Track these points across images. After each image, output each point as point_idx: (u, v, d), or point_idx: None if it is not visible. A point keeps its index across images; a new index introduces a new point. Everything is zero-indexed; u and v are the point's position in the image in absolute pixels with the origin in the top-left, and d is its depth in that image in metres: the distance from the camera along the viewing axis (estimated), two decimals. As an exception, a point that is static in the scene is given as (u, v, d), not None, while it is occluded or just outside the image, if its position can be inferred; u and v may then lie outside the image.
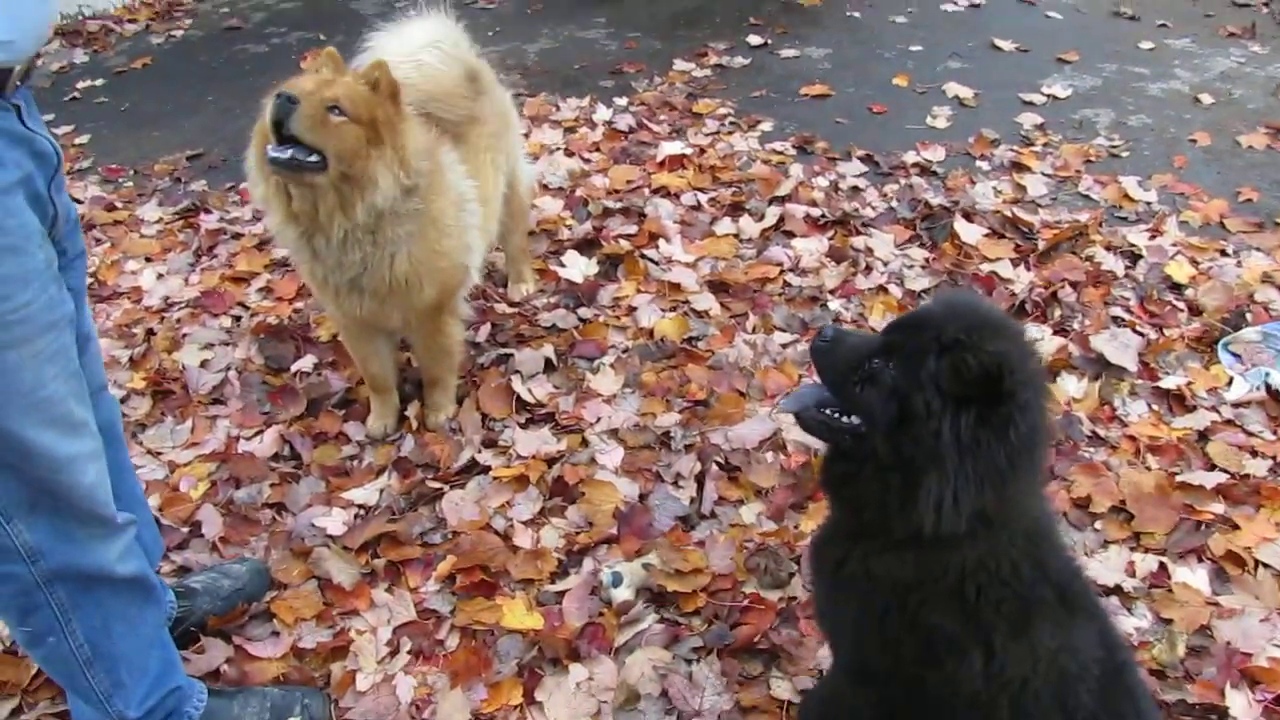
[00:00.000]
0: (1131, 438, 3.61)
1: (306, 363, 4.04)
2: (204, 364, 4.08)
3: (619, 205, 5.00)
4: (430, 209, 3.27)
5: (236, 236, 4.91)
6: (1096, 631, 1.99)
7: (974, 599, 1.90)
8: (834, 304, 4.33)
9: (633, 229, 4.81)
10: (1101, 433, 3.63)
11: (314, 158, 2.96)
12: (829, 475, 2.10)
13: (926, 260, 4.60)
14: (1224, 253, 4.69)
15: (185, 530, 3.36)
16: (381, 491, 3.47)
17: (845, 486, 2.02)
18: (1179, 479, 3.41)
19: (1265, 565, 3.14)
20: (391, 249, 3.23)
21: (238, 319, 4.37)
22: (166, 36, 7.56)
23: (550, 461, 3.56)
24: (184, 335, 4.23)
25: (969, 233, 4.71)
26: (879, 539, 1.98)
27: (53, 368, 1.97)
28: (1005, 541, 1.91)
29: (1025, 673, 1.90)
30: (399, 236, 3.22)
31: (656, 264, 4.58)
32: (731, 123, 5.98)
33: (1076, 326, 4.12)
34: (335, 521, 3.36)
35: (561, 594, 3.09)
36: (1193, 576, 3.11)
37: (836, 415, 1.98)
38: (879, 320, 4.17)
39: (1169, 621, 2.98)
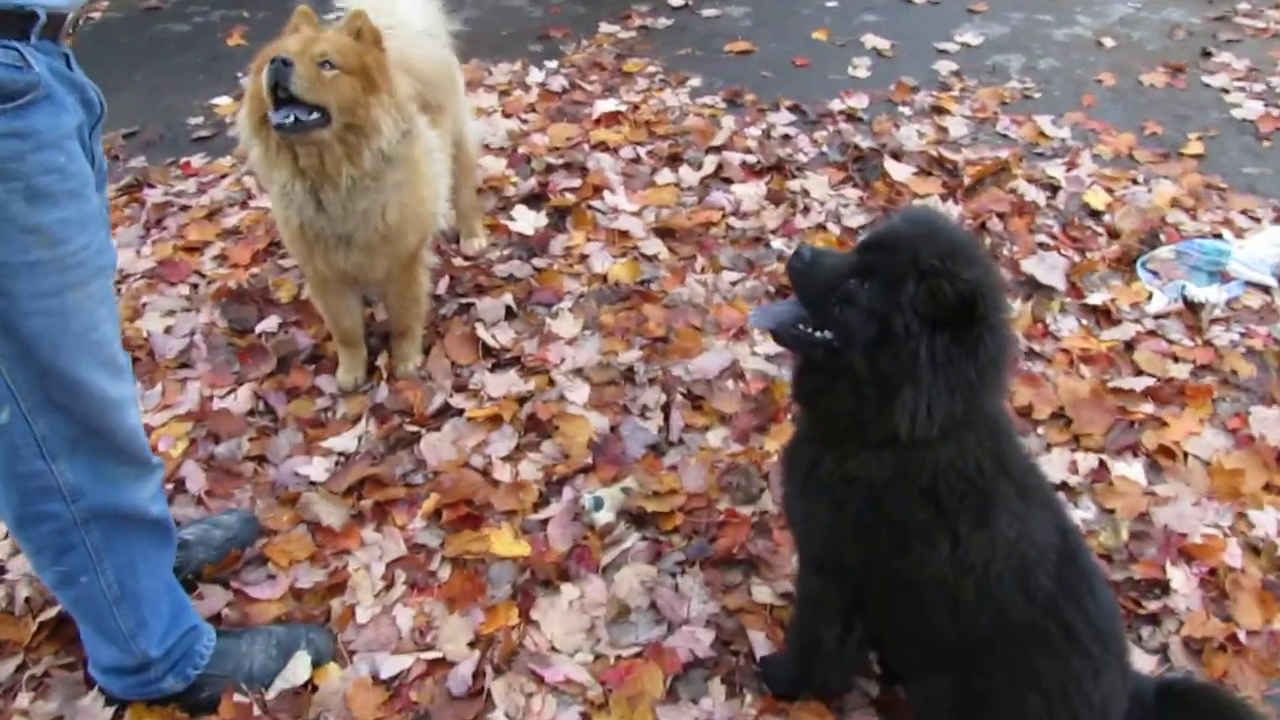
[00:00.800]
0: (1065, 350, 3.87)
1: (271, 323, 4.11)
2: (168, 330, 4.11)
3: (561, 161, 5.12)
4: (412, 156, 3.38)
5: (184, 209, 4.93)
6: (1051, 520, 2.18)
7: (943, 493, 2.08)
8: (776, 243, 4.51)
9: (577, 182, 4.94)
10: (1037, 347, 3.88)
11: (315, 115, 3.04)
12: (802, 387, 2.24)
13: (861, 199, 4.82)
14: (1135, 181, 4.99)
15: (170, 487, 3.40)
16: (360, 438, 3.57)
17: (819, 397, 2.16)
18: (1111, 385, 3.68)
19: (1193, 456, 3.42)
20: (387, 197, 3.33)
21: (195, 286, 4.41)
22: (85, 19, 7.48)
23: (521, 401, 3.69)
24: (144, 304, 4.26)
25: (899, 172, 4.94)
26: (853, 443, 2.13)
27: (104, 310, 2.06)
28: (972, 442, 2.07)
29: (987, 558, 2.09)
30: (393, 184, 3.32)
31: (603, 214, 4.72)
32: (661, 80, 6.13)
33: (1006, 253, 4.35)
34: (317, 469, 3.45)
35: (545, 522, 3.23)
36: (1130, 470, 3.37)
37: (810, 331, 2.11)
38: (821, 256, 4.35)
39: (1112, 511, 3.23)
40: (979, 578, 2.10)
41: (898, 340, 1.93)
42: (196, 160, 5.41)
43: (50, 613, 2.92)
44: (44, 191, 1.83)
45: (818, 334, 2.09)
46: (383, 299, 3.94)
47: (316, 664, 2.82)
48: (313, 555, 3.18)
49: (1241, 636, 2.85)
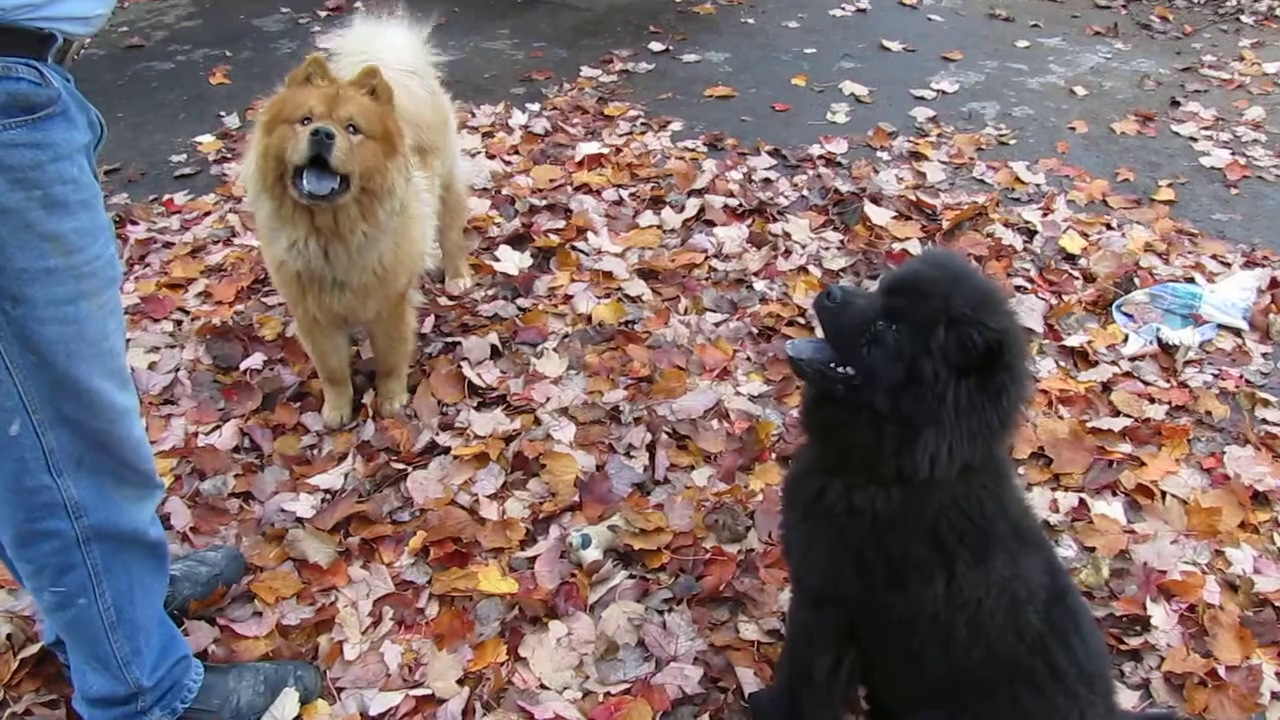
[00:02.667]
0: (1044, 391, 3.92)
1: (256, 360, 4.12)
2: (152, 366, 4.12)
3: (544, 202, 5.18)
4: (404, 199, 3.41)
5: (168, 245, 4.95)
6: (1043, 561, 2.22)
7: (944, 531, 2.12)
8: (759, 285, 4.57)
9: (560, 224, 4.99)
10: (1017, 389, 3.93)
11: (340, 183, 3.08)
12: (816, 418, 2.26)
13: (842, 242, 4.89)
14: (1109, 226, 5.09)
15: (156, 522, 3.42)
16: (346, 475, 3.57)
17: (836, 429, 2.16)
18: (1089, 425, 3.74)
19: (1171, 495, 3.47)
20: (384, 241, 3.36)
21: (179, 323, 4.41)
22: (81, 49, 7.47)
23: (507, 439, 3.71)
24: (127, 341, 4.26)
25: (878, 215, 5.01)
26: (861, 476, 2.16)
27: (114, 321, 2.08)
28: (977, 483, 2.12)
29: (980, 595, 2.13)
30: (390, 229, 3.35)
31: (587, 255, 4.77)
32: (643, 124, 6.21)
33: (985, 295, 4.41)
34: (304, 505, 3.45)
35: (533, 559, 3.25)
36: (1109, 509, 3.41)
37: (832, 366, 2.11)
38: (804, 298, 4.42)
39: (1092, 549, 3.28)
40: (971, 614, 2.13)
41: (925, 384, 1.97)
42: (179, 197, 5.43)
43: (32, 649, 2.90)
44: (60, 200, 1.87)
45: (839, 369, 2.11)
46: (369, 338, 3.92)
47: (304, 701, 2.81)
48: (299, 592, 3.18)
49: (1221, 671, 2.89)
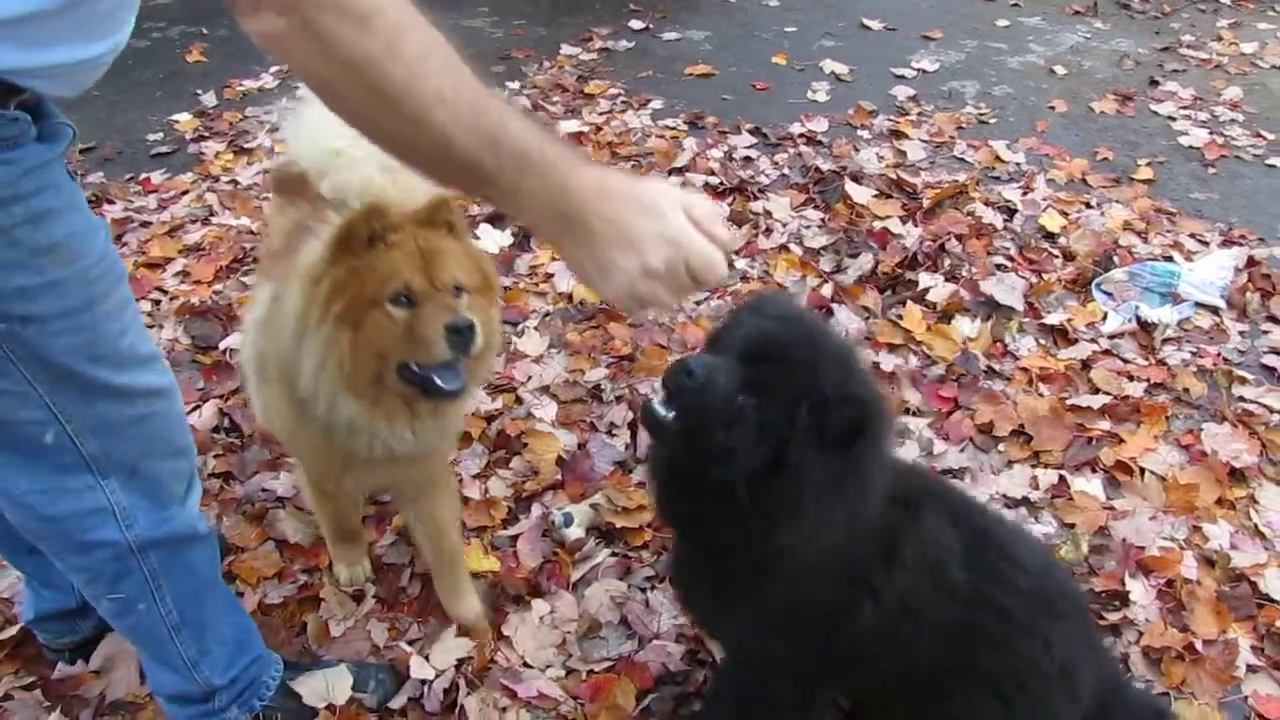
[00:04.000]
0: (1024, 369, 3.94)
1: (236, 340, 4.08)
2: (130, 346, 4.08)
3: (525, 181, 5.14)
4: None
5: (145, 225, 4.91)
6: (945, 515, 2.19)
7: (851, 562, 2.08)
8: (740, 263, 4.56)
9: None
10: (996, 366, 3.96)
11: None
12: (674, 513, 2.17)
13: (822, 220, 4.89)
14: (1089, 205, 5.10)
15: (134, 503, 3.40)
16: (327, 455, 3.56)
17: (694, 526, 2.14)
18: (1069, 402, 3.76)
19: (1150, 471, 3.50)
20: None
21: (157, 303, 4.38)
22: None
23: (489, 419, 3.70)
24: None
25: (859, 194, 5.01)
26: (745, 550, 2.08)
27: (128, 312, 1.96)
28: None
29: (904, 587, 2.10)
30: None
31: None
32: (623, 102, 6.19)
33: (965, 274, 4.43)
34: (285, 485, 3.44)
35: (515, 538, 3.25)
36: (1089, 485, 3.44)
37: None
38: (783, 275, 4.43)
39: (1072, 526, 3.30)
40: (906, 608, 2.11)
41: (789, 468, 1.83)
42: (156, 176, 5.38)
43: (10, 631, 2.89)
44: (45, 210, 1.79)
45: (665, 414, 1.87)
46: (419, 519, 2.94)
47: (382, 703, 2.79)
48: (280, 571, 3.17)
49: (1198, 645, 2.92)
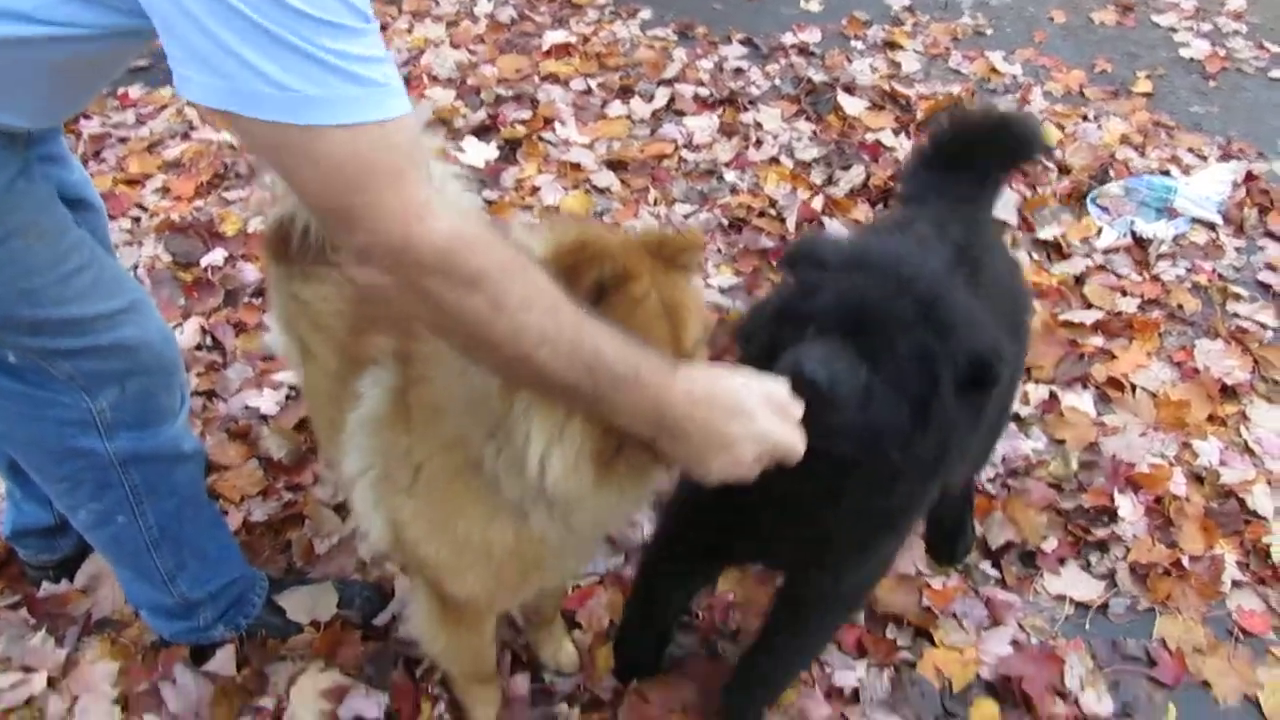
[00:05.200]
0: (1017, 284, 3.89)
1: (217, 256, 4.01)
2: (110, 262, 4.01)
3: (511, 93, 5.04)
4: None
5: (123, 140, 4.79)
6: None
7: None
8: (729, 176, 4.49)
9: (527, 114, 4.87)
10: (989, 281, 3.90)
11: None
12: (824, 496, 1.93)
13: (814, 132, 4.80)
14: (1085, 118, 5.02)
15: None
16: (312, 371, 3.51)
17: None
18: (1061, 318, 3.71)
19: (1141, 388, 3.47)
20: None
21: (137, 220, 4.28)
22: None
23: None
24: (86, 237, 4.15)
25: (852, 105, 4.92)
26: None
27: (65, 240, 1.93)
28: None
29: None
30: None
31: (554, 146, 4.67)
32: (611, 12, 6.02)
33: (959, 187, 4.35)
34: (268, 402, 3.39)
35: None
36: (1080, 401, 3.41)
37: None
38: (774, 188, 4.35)
39: (1062, 442, 3.29)
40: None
41: (931, 425, 1.75)
42: (134, 91, 5.24)
43: (-8, 549, 2.87)
44: None
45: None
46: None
47: (367, 619, 2.77)
48: (265, 489, 3.14)
49: (1185, 562, 2.93)
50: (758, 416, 1.59)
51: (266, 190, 4.09)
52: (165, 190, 4.47)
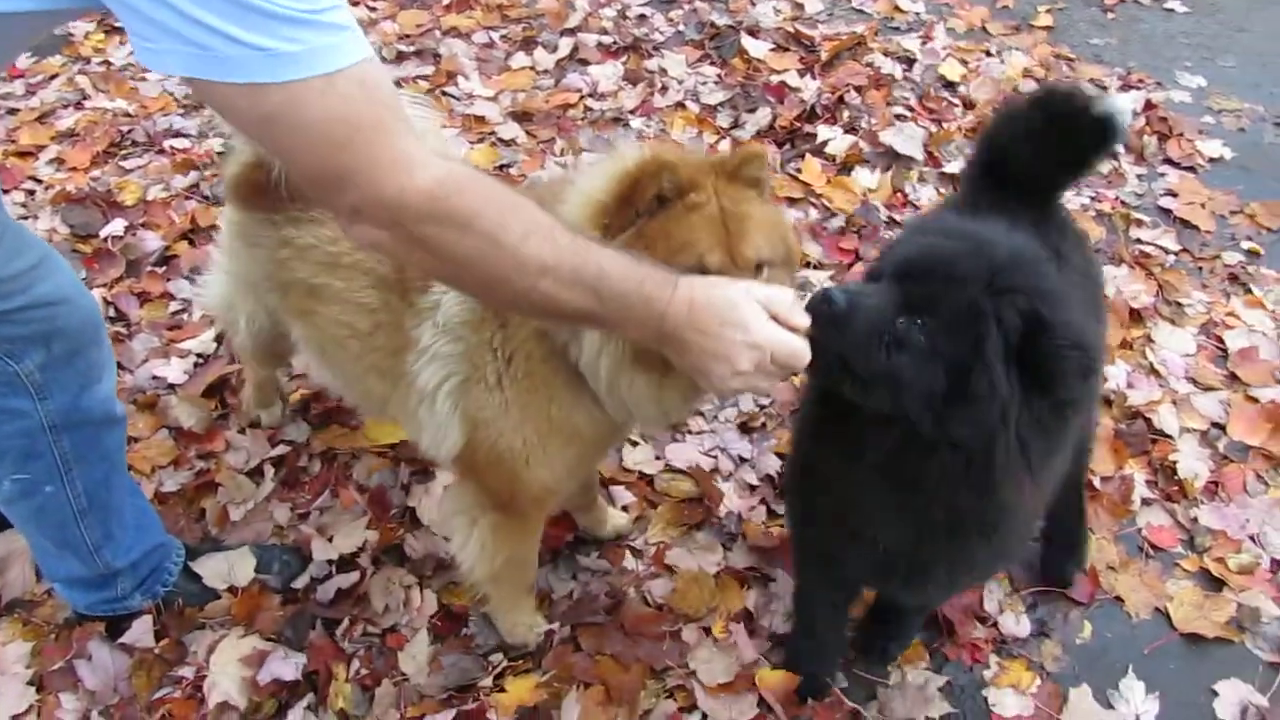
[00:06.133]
0: (924, 219, 3.91)
1: (117, 226, 3.89)
2: (3, 237, 3.88)
3: (412, 49, 4.95)
4: None
5: (12, 112, 4.62)
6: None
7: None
8: (636, 123, 4.46)
9: (429, 69, 4.80)
10: (897, 217, 3.93)
11: None
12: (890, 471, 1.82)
13: (719, 76, 4.78)
14: (988, 53, 5.07)
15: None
16: (219, 339, 3.44)
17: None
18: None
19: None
20: None
21: (31, 193, 4.14)
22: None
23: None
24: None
25: (756, 48, 4.90)
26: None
27: None
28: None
29: None
30: None
31: (458, 100, 4.60)
32: (512, -37, 5.94)
33: (865, 125, 4.38)
34: (175, 371, 3.32)
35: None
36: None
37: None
38: (680, 133, 4.33)
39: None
40: None
41: (980, 400, 1.61)
42: (22, 60, 5.05)
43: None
44: None
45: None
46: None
47: (288, 583, 2.74)
48: (176, 459, 3.08)
49: (1097, 483, 2.99)
50: (754, 324, 1.61)
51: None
52: (60, 161, 4.33)
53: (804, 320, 1.64)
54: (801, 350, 1.63)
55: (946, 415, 1.63)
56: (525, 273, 1.56)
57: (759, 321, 1.61)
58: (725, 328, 1.61)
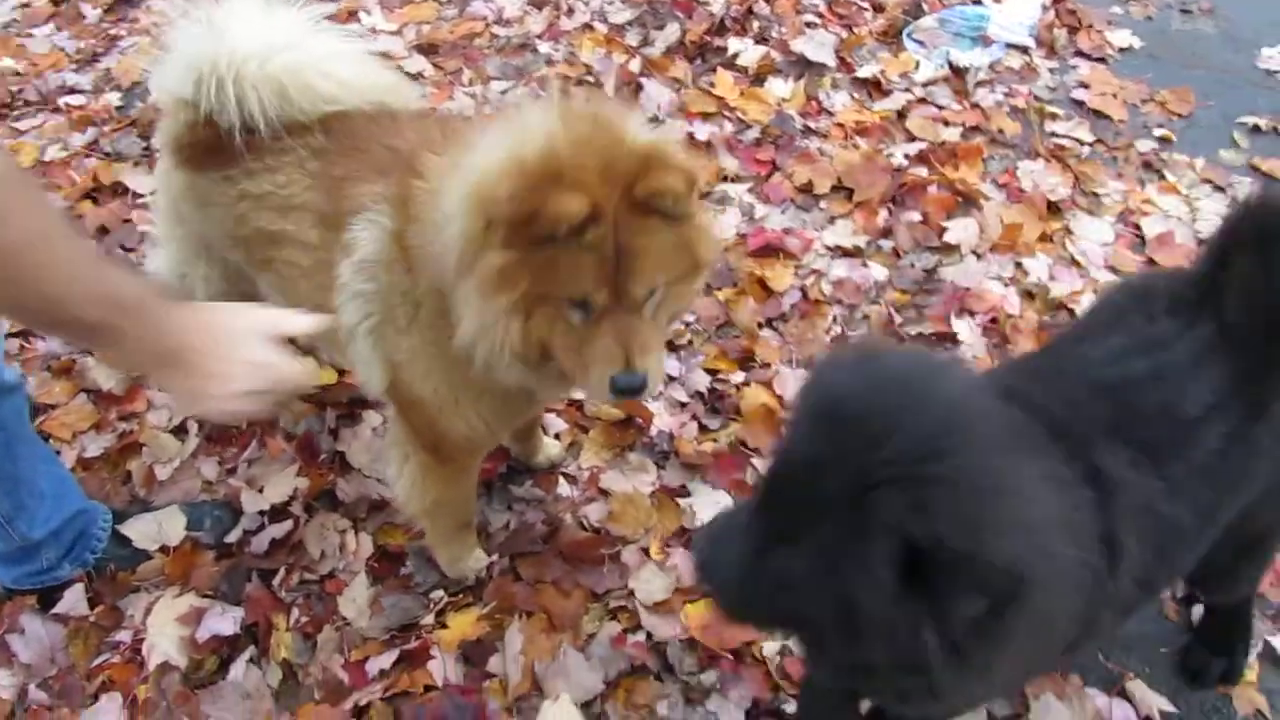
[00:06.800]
0: (840, 125, 3.91)
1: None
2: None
3: (309, -13, 4.81)
4: None
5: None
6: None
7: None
8: (544, 47, 4.36)
9: (331, 7, 4.64)
10: (812, 125, 3.91)
11: None
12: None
13: (625, -6, 4.69)
14: (893, -45, 4.99)
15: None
16: (128, 297, 3.35)
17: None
18: (886, 153, 3.75)
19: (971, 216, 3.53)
20: None
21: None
22: None
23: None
24: None
25: (660, -36, 4.81)
26: None
27: None
28: None
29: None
30: None
31: (362, 37, 4.47)
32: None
33: (775, 35, 4.32)
34: (88, 334, 3.24)
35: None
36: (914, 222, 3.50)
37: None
38: (589, 55, 4.25)
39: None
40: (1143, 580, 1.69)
41: (874, 627, 1.35)
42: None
43: None
44: None
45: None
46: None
47: (221, 539, 2.69)
48: (98, 423, 3.01)
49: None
50: (255, 348, 1.62)
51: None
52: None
53: (306, 323, 1.73)
54: (298, 373, 1.67)
55: (857, 647, 1.39)
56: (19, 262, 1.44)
57: (261, 346, 1.63)
58: (229, 350, 1.61)
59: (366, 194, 2.06)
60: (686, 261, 1.87)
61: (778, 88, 4.05)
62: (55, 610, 2.53)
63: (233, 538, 2.69)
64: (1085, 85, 4.22)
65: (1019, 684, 1.82)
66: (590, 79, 4.11)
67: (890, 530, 1.26)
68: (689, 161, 1.84)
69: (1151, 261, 3.42)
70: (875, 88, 4.10)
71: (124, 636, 2.52)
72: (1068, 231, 3.53)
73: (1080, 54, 4.43)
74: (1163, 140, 3.95)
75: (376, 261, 2.05)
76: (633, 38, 4.39)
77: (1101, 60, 4.40)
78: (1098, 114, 4.08)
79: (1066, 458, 1.53)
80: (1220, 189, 3.72)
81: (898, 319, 3.18)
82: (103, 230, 3.57)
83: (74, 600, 2.55)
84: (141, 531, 2.63)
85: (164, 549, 2.63)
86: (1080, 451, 1.57)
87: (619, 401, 2.08)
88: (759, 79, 4.09)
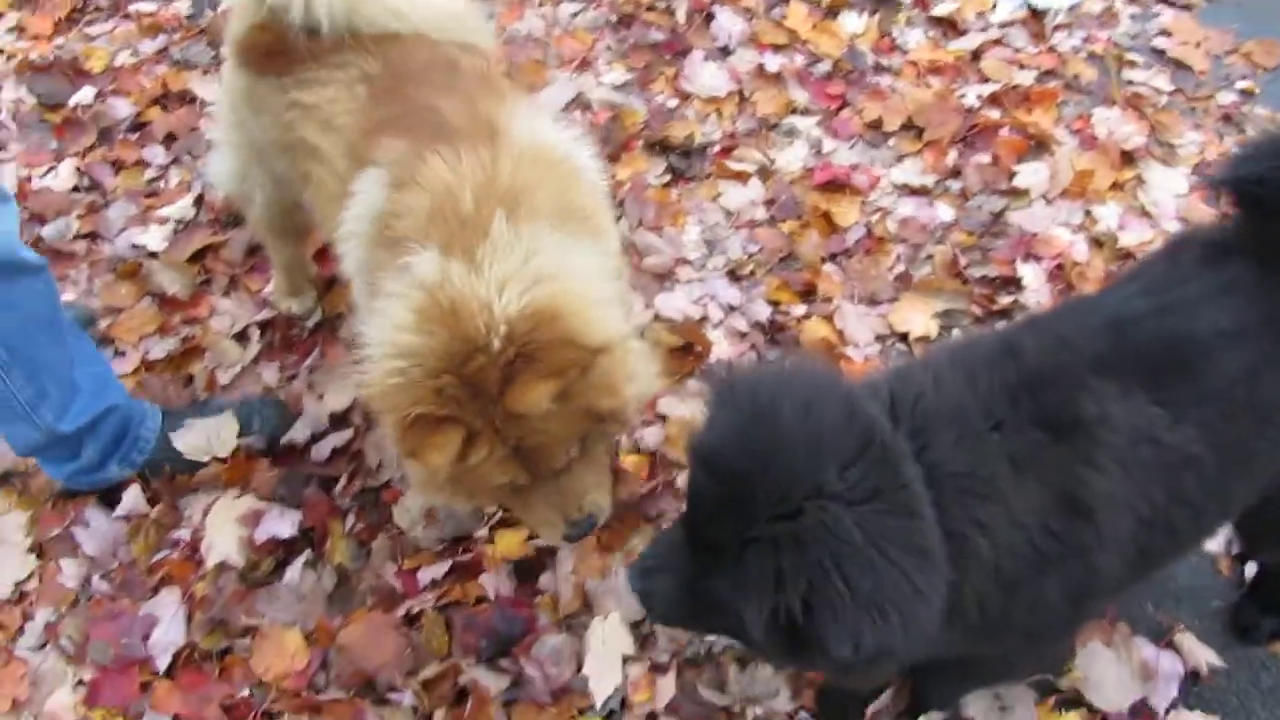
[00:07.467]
0: (912, 62, 3.83)
1: (86, 94, 3.79)
2: (-34, 112, 3.79)
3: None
4: None
5: (-41, -21, 4.48)
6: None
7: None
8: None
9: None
10: (884, 61, 3.84)
11: None
12: None
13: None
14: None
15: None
16: (198, 205, 3.38)
17: None
18: (958, 94, 3.68)
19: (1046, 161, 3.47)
20: None
21: (-9, 61, 4.06)
22: None
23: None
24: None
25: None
26: None
27: None
28: None
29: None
30: None
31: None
32: None
33: (851, -30, 4.24)
34: (155, 238, 3.28)
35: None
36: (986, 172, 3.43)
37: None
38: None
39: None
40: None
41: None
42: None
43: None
44: None
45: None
46: None
47: (273, 433, 2.73)
48: (161, 326, 3.07)
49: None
50: None
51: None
52: (20, 30, 4.21)
53: None
54: None
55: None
56: None
57: None
58: None
59: (386, 150, 2.04)
60: (595, 418, 1.86)
61: (850, 22, 3.97)
62: (116, 513, 2.62)
63: (293, 438, 2.73)
64: (1167, 34, 4.09)
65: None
66: (662, 4, 4.05)
67: (762, 591, 1.35)
68: (562, 330, 1.74)
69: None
70: (951, 26, 4.00)
71: (183, 534, 2.59)
72: (1140, 181, 3.45)
73: (1164, 1, 4.30)
74: (1245, 93, 3.83)
75: (362, 231, 2.06)
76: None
77: (1186, 8, 4.26)
78: (1178, 63, 3.95)
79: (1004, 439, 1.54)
80: (1303, 144, 3.61)
81: (962, 260, 3.14)
82: (170, 137, 3.61)
83: (133, 499, 2.63)
84: (191, 444, 2.67)
85: (218, 459, 2.68)
86: (1045, 413, 1.55)
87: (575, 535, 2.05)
88: (832, 12, 4.00)
